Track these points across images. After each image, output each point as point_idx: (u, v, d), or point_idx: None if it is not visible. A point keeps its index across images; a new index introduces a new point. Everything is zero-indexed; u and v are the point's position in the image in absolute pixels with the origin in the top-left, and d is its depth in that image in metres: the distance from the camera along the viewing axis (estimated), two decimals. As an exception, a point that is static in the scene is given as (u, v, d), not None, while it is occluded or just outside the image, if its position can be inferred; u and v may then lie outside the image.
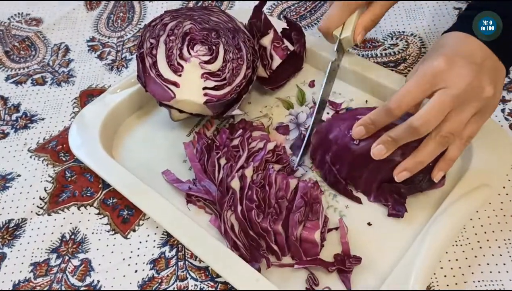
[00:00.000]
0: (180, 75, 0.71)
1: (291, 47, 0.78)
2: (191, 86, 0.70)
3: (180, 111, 0.72)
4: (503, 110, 0.74)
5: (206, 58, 0.72)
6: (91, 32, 0.98)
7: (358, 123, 0.59)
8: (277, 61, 0.77)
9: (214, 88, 0.71)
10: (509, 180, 0.66)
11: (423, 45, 0.85)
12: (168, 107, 0.72)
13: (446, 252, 0.61)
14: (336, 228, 0.64)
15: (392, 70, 0.81)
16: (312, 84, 0.81)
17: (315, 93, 0.79)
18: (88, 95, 0.85)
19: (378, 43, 0.86)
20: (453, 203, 0.61)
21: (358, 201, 0.66)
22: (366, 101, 0.77)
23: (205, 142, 0.69)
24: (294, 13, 0.96)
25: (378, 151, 0.57)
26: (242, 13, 0.79)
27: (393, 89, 0.73)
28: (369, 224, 0.64)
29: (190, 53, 0.72)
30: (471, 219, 0.63)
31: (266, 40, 0.78)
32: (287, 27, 0.80)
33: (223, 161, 0.66)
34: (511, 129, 0.72)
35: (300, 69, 0.82)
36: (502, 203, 0.64)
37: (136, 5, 1.03)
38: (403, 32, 0.87)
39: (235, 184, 0.61)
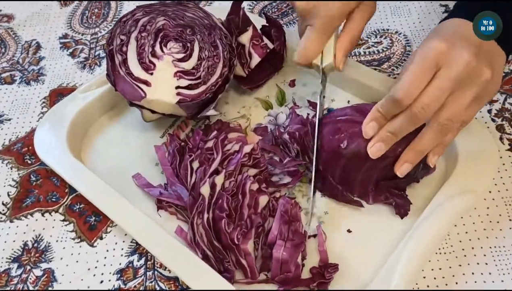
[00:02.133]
0: (151, 74, 0.67)
1: (270, 45, 0.74)
2: (163, 85, 0.67)
3: (152, 111, 0.69)
4: (489, 111, 0.71)
5: (180, 55, 0.68)
6: (64, 28, 0.94)
7: (368, 119, 0.56)
8: (256, 59, 0.73)
9: (188, 87, 0.67)
10: (495, 184, 0.63)
11: (408, 43, 0.82)
12: (139, 108, 0.69)
13: (429, 261, 0.57)
14: (314, 236, 0.60)
15: (376, 69, 0.78)
16: (292, 83, 0.77)
17: (296, 93, 0.76)
18: (58, 95, 0.81)
19: (361, 41, 0.82)
20: (436, 209, 0.58)
21: (359, 204, 0.62)
22: (348, 101, 0.74)
23: (177, 145, 0.66)
24: (275, 10, 0.92)
25: (377, 149, 0.55)
26: (219, 9, 0.76)
27: (376, 90, 0.70)
28: (348, 231, 0.61)
29: (163, 51, 0.69)
30: (455, 226, 0.60)
31: (245, 38, 0.74)
32: (267, 24, 0.76)
33: (196, 165, 0.62)
34: (498, 131, 0.69)
35: (280, 68, 0.79)
36: (488, 208, 0.62)
37: (112, 1, 0.99)
38: (388, 29, 0.84)
39: (205, 190, 0.58)
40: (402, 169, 0.57)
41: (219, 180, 0.59)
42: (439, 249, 0.59)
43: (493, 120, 0.70)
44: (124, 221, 0.60)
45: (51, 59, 0.88)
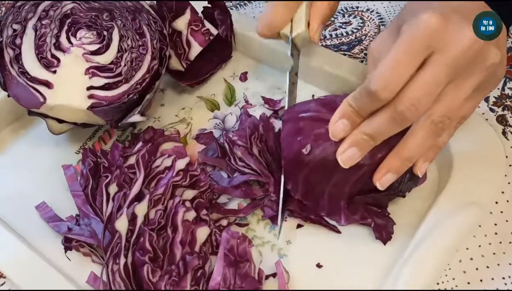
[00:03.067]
0: (54, 72, 0.52)
1: (214, 31, 0.62)
2: (71, 86, 0.52)
3: (60, 121, 0.53)
4: (487, 99, 0.58)
5: (94, 47, 0.54)
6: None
7: (337, 116, 0.43)
8: (196, 49, 0.61)
9: (104, 87, 0.53)
10: (502, 193, 0.50)
11: (382, 22, 0.68)
12: (42, 117, 0.53)
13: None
14: (274, 275, 0.45)
15: (345, 54, 0.65)
16: (244, 77, 0.63)
17: (248, 89, 0.62)
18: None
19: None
20: (431, 231, 0.45)
21: (336, 230, 0.49)
22: (313, 95, 0.59)
23: (91, 163, 0.50)
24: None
25: (349, 156, 0.43)
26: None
27: (347, 80, 0.56)
28: (318, 265, 0.47)
29: (70, 42, 0.54)
30: (456, 250, 0.46)
31: (181, 23, 0.61)
32: (209, 6, 0.63)
33: (113, 189, 0.47)
34: (499, 123, 0.55)
35: (228, 59, 0.66)
36: (495, 225, 0.48)
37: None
38: (357, 7, 0.71)
39: (122, 224, 0.43)
40: (383, 180, 0.44)
41: (141, 209, 0.44)
42: (438, 284, 0.45)
43: (491, 110, 0.57)
44: (16, 272, 0.45)
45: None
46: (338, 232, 0.49)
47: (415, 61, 0.39)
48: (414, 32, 0.39)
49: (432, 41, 0.38)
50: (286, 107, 0.52)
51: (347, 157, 0.43)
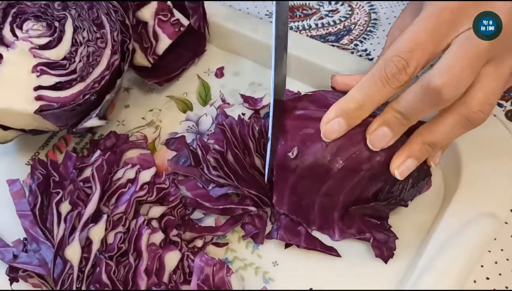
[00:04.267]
0: None
1: (185, 21, 0.55)
2: (14, 87, 0.46)
3: (4, 127, 0.46)
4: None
5: (43, 40, 0.47)
6: None
7: (333, 113, 0.39)
8: (165, 42, 0.54)
9: (55, 87, 0.46)
10: (519, 199, 0.43)
11: (373, 9, 0.61)
12: (-18, 123, 0.45)
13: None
14: (259, 305, 0.39)
15: (334, 45, 0.58)
16: (220, 73, 0.56)
17: (225, 86, 0.55)
18: None
19: (311, 10, 0.62)
20: (441, 252, 0.38)
21: (332, 251, 0.43)
22: (298, 91, 0.52)
23: (40, 177, 0.42)
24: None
25: (381, 137, 0.38)
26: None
27: (337, 73, 0.49)
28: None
29: (15, 35, 0.47)
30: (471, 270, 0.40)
31: (147, 12, 0.53)
32: (179, -8, 0.55)
33: (65, 207, 0.40)
34: (508, 119, 0.49)
35: (201, 53, 0.59)
36: (513, 236, 0.42)
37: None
38: (345, -7, 0.64)
39: (73, 252, 0.36)
40: (403, 168, 0.39)
41: (96, 232, 0.37)
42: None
43: (499, 105, 0.51)
44: None
45: None
46: (338, 255, 0.42)
47: (440, 40, 0.35)
48: (440, 7, 0.35)
49: (461, 16, 0.35)
50: (273, 70, 0.42)
51: (378, 135, 0.38)
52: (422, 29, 0.35)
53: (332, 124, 0.38)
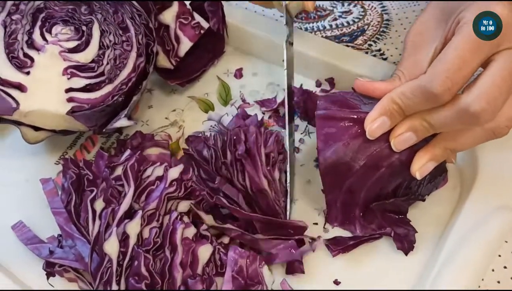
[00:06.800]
0: (27, 73, 0.47)
1: (205, 24, 0.56)
2: (46, 89, 0.47)
3: (36, 128, 0.47)
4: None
5: (72, 44, 0.49)
6: None
7: (375, 113, 0.41)
8: (186, 44, 0.55)
9: (85, 89, 0.48)
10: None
11: (385, 10, 0.63)
12: (15, 124, 0.47)
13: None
14: (286, 296, 0.40)
15: (348, 46, 0.59)
16: (239, 74, 0.58)
17: (244, 86, 0.56)
18: None
19: (325, 12, 0.63)
20: (461, 244, 0.40)
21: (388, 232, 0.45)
22: (301, 85, 0.54)
23: (73, 176, 0.44)
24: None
25: (405, 139, 0.41)
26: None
27: (353, 73, 0.51)
28: (336, 282, 0.41)
29: (45, 39, 0.49)
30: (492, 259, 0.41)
31: (168, 16, 0.55)
32: (198, -4, 0.57)
33: (99, 204, 0.41)
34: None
35: (220, 55, 0.60)
36: (528, 227, 0.43)
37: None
38: (357, -5, 0.65)
39: (111, 246, 0.37)
40: (423, 169, 0.41)
41: (132, 227, 0.38)
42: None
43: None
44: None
45: None
46: (389, 234, 0.44)
47: (479, 60, 0.36)
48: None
49: (501, 36, 0.36)
50: (286, 95, 0.47)
51: (402, 139, 0.40)
52: (468, 49, 0.36)
53: (377, 123, 0.40)
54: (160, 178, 0.43)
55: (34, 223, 0.46)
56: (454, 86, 0.36)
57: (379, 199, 0.45)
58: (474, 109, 0.35)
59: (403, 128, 0.40)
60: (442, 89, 0.36)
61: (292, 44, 0.51)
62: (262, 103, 0.54)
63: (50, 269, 0.42)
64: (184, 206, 0.42)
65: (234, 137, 0.44)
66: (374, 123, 0.40)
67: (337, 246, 0.43)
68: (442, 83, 0.36)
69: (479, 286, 0.41)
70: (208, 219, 0.42)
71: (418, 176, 0.41)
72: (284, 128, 0.49)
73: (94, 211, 0.41)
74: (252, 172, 0.42)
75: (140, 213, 0.39)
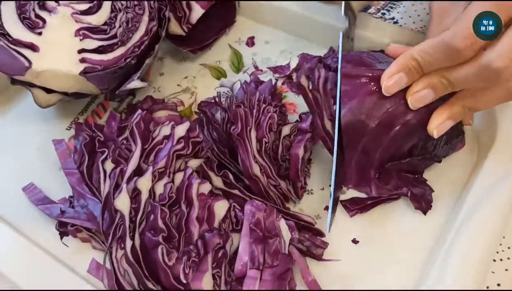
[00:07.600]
0: (40, 34, 0.46)
1: None
2: (59, 49, 0.47)
3: (48, 91, 0.47)
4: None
5: (84, 6, 0.48)
6: None
7: (393, 69, 0.40)
8: (197, 12, 0.54)
9: (98, 50, 0.47)
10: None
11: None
12: (26, 86, 0.47)
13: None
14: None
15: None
16: (251, 42, 0.57)
17: (257, 54, 0.56)
18: None
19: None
20: (484, 198, 0.39)
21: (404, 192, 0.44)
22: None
23: (86, 137, 0.43)
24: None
25: (423, 96, 0.40)
26: None
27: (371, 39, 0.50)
28: (354, 241, 0.41)
29: (57, 0, 0.46)
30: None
31: None
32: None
33: (109, 165, 0.41)
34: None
35: (232, 23, 0.60)
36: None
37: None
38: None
39: (122, 202, 0.36)
40: (441, 127, 0.40)
41: (143, 183, 0.38)
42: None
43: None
44: (5, 263, 0.38)
45: None
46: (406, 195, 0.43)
47: (505, 19, 0.35)
48: None
49: None
50: (339, 73, 0.44)
51: (419, 96, 0.40)
52: (492, 8, 0.36)
53: (394, 79, 0.39)
54: (167, 137, 0.42)
55: (45, 186, 0.46)
56: (477, 43, 0.35)
57: (394, 159, 0.44)
58: (496, 65, 0.35)
59: (420, 85, 0.39)
60: (465, 45, 0.35)
61: (353, 40, 0.49)
62: (275, 69, 0.54)
63: (63, 229, 0.42)
64: (194, 163, 0.41)
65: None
66: (391, 79, 0.40)
67: (355, 206, 0.43)
68: (464, 39, 0.35)
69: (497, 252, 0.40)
70: (217, 180, 0.42)
71: (435, 134, 0.40)
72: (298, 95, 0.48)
73: (105, 172, 0.41)
74: (244, 155, 0.41)
75: (150, 168, 0.38)
